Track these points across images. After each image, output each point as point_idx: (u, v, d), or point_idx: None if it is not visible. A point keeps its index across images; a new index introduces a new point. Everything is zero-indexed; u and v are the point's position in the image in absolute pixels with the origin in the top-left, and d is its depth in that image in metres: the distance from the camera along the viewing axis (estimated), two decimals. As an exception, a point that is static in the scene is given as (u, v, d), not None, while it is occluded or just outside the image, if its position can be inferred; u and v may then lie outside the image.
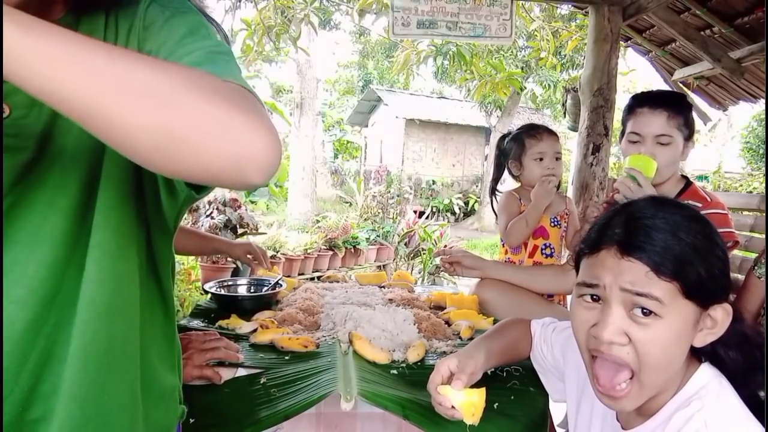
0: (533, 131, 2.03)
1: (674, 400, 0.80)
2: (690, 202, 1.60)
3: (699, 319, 0.79)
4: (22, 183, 0.62)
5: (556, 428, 1.70)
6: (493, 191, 2.15)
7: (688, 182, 1.70)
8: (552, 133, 2.03)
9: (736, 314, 0.82)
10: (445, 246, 6.67)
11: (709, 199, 1.62)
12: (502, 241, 2.12)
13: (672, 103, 1.62)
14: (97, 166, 0.66)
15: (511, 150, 2.07)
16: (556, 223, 2.02)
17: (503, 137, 2.16)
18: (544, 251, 2.02)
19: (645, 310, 0.76)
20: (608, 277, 0.78)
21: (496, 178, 2.16)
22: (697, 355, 0.83)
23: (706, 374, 0.81)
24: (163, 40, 0.66)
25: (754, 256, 2.04)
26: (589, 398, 0.99)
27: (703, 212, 1.56)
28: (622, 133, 1.72)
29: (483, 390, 0.97)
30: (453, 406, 0.96)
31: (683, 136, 1.61)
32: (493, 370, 1.22)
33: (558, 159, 2.01)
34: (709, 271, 0.77)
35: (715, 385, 0.80)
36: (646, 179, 1.53)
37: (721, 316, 0.79)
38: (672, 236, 0.77)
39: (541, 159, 1.99)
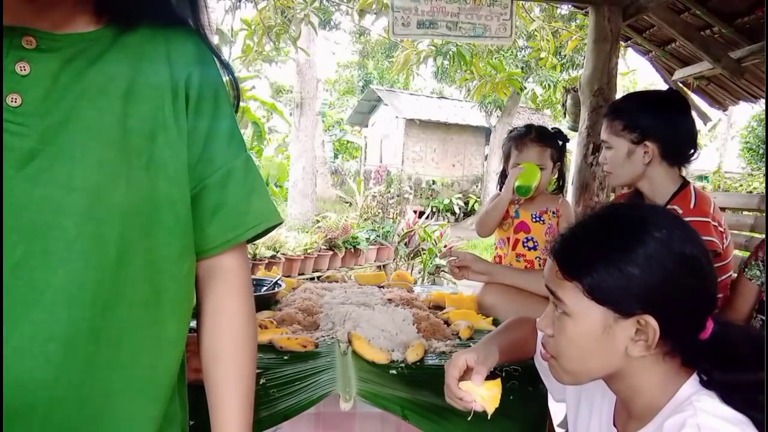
0: (521, 139, 2.02)
1: (668, 406, 0.81)
2: (674, 207, 1.52)
3: (613, 324, 0.80)
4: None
5: (556, 428, 1.70)
6: (500, 184, 2.15)
7: (683, 184, 1.59)
8: (539, 143, 1.99)
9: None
10: (446, 246, 6.67)
11: (692, 206, 1.53)
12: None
13: (609, 111, 1.67)
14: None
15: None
16: (537, 218, 2.04)
17: (510, 131, 2.16)
18: (526, 244, 2.05)
19: (558, 306, 0.85)
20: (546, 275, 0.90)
21: (503, 170, 2.16)
22: (692, 364, 0.83)
23: (697, 382, 0.81)
24: (211, 136, 0.75)
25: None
26: (588, 401, 1.00)
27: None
28: None
29: (499, 380, 0.99)
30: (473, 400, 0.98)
31: (629, 140, 1.58)
32: (492, 370, 1.23)
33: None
34: (615, 277, 0.78)
35: (705, 391, 0.80)
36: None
37: (649, 328, 0.79)
38: (580, 240, 0.85)
39: None
